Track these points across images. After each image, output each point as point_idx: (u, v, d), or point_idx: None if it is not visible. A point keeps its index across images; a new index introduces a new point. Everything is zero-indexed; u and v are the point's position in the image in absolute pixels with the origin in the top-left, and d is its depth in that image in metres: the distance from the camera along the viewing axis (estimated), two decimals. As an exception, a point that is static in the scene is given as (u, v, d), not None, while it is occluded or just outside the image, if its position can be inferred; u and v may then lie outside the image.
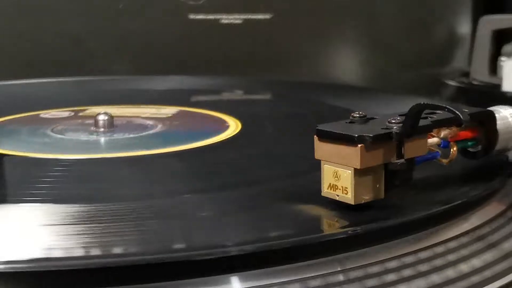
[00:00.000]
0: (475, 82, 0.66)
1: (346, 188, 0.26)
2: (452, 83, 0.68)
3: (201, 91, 0.62)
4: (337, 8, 0.73)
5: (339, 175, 0.26)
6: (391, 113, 0.28)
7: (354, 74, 0.75)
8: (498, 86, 0.61)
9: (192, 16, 0.70)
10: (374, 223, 0.25)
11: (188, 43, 0.71)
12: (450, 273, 0.25)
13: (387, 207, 0.27)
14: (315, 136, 0.27)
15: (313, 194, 0.27)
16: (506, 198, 0.31)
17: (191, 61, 0.70)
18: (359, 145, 0.25)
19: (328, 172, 0.26)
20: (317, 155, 0.27)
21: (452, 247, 0.26)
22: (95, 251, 0.23)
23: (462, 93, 0.66)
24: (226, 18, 0.70)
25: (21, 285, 0.22)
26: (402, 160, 0.26)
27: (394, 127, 0.26)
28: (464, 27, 0.76)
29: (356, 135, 0.25)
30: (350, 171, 0.26)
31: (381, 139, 0.26)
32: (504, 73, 0.61)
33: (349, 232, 0.25)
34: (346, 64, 0.75)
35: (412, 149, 0.27)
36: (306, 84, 0.65)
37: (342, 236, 0.25)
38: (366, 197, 0.26)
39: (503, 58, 0.63)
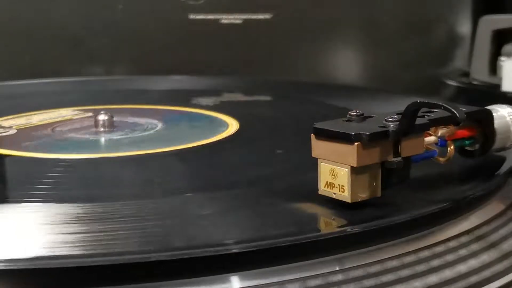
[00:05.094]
0: (475, 82, 0.66)
1: (343, 186, 0.26)
2: (452, 83, 0.68)
3: (201, 91, 0.62)
4: (337, 8, 0.73)
5: (336, 173, 0.26)
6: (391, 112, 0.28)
7: (354, 74, 0.75)
8: (498, 86, 0.61)
9: (192, 16, 0.70)
10: (373, 222, 0.25)
11: (188, 43, 0.71)
12: (450, 272, 0.25)
13: (385, 206, 0.27)
14: (312, 134, 0.27)
15: (312, 193, 0.27)
16: (506, 198, 0.31)
17: (191, 61, 0.70)
18: (356, 143, 0.25)
19: (325, 170, 0.27)
20: (314, 153, 0.27)
21: (452, 246, 0.26)
22: (95, 250, 0.23)
23: (462, 93, 0.66)
24: (226, 18, 0.70)
25: (21, 284, 0.22)
26: (398, 159, 0.26)
27: (391, 126, 0.26)
28: (464, 27, 0.76)
29: (353, 133, 0.25)
30: (346, 169, 0.26)
31: (378, 137, 0.26)
32: (504, 73, 0.61)
33: (348, 231, 0.25)
34: (346, 64, 0.75)
35: (408, 147, 0.27)
36: (306, 84, 0.65)
37: (341, 235, 0.25)
38: (363, 195, 0.26)
39: (503, 58, 0.63)
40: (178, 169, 0.36)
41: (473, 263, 0.26)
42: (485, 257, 0.27)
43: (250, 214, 0.27)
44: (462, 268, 0.26)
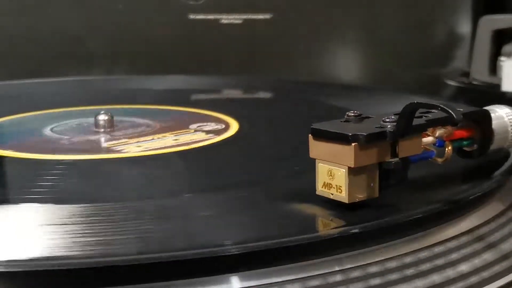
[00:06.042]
0: (475, 82, 0.66)
1: (340, 187, 0.26)
2: (452, 83, 0.68)
3: (201, 91, 0.62)
4: (337, 8, 0.73)
5: (334, 173, 0.26)
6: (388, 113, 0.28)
7: (354, 73, 0.75)
8: (498, 86, 0.61)
9: (192, 16, 0.70)
10: (371, 223, 0.25)
11: (188, 43, 0.71)
12: (450, 273, 0.25)
13: (383, 207, 0.27)
14: (309, 135, 0.27)
15: (310, 194, 0.27)
16: (506, 197, 0.31)
17: (191, 61, 0.70)
18: (353, 144, 0.25)
19: (322, 171, 0.27)
20: (312, 154, 0.27)
21: (452, 247, 0.27)
22: (95, 251, 0.23)
23: (462, 93, 0.66)
24: (226, 18, 0.70)
25: (21, 285, 0.22)
26: (396, 159, 0.26)
27: (388, 126, 0.26)
28: (464, 27, 0.76)
29: (350, 134, 0.25)
30: (344, 170, 0.26)
31: (375, 138, 0.26)
32: (503, 73, 0.60)
33: (347, 231, 0.25)
34: (346, 64, 0.75)
35: (406, 148, 0.27)
36: (306, 84, 0.65)
37: (341, 236, 0.25)
38: (360, 196, 0.26)
39: (503, 58, 0.63)
40: (178, 169, 0.36)
41: (473, 263, 0.26)
42: (485, 258, 0.27)
43: (248, 215, 0.27)
44: (462, 268, 0.26)
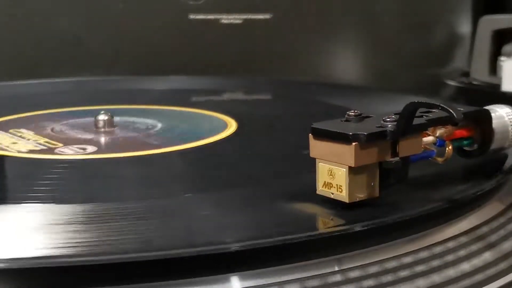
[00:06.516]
0: (475, 82, 0.66)
1: (341, 186, 0.26)
2: (452, 83, 0.68)
3: (201, 91, 0.62)
4: (337, 8, 0.73)
5: (334, 173, 0.26)
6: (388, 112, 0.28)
7: (354, 73, 0.75)
8: (498, 86, 0.61)
9: (192, 16, 0.70)
10: (371, 222, 0.25)
11: (188, 43, 0.71)
12: (449, 273, 0.25)
13: (384, 206, 0.27)
14: (310, 134, 0.27)
15: (310, 193, 0.27)
16: (506, 197, 0.31)
17: (191, 61, 0.71)
18: (354, 143, 0.25)
19: (323, 170, 0.27)
20: (312, 153, 0.27)
21: (452, 246, 0.27)
22: (95, 250, 0.23)
23: (462, 93, 0.66)
24: (226, 18, 0.70)
25: (21, 284, 0.22)
26: (396, 159, 0.26)
27: (389, 126, 0.26)
28: (464, 27, 0.76)
29: (351, 133, 0.25)
30: (344, 169, 0.26)
31: (376, 138, 0.26)
32: (503, 73, 0.61)
33: (347, 230, 0.25)
34: (346, 64, 0.75)
35: (406, 147, 0.27)
36: (306, 84, 0.65)
37: (341, 235, 0.25)
38: (361, 195, 0.26)
39: (502, 58, 0.63)
40: (177, 169, 0.36)
41: (473, 263, 0.26)
42: (485, 257, 0.27)
43: (248, 214, 0.27)
44: (462, 268, 0.26)
